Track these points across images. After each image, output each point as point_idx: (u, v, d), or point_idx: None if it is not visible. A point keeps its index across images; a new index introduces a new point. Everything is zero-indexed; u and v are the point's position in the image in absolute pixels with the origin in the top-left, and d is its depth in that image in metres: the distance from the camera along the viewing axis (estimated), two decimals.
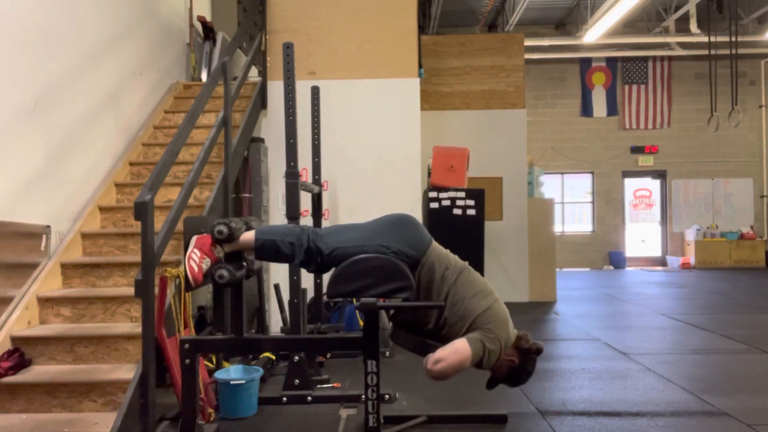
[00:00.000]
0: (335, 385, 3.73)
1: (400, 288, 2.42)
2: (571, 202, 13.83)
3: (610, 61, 13.49)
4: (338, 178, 5.67)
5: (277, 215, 5.60)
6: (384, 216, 2.58)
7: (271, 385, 3.73)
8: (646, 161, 13.57)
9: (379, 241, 2.45)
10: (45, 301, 3.36)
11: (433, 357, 2.36)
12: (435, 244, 2.58)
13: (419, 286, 2.49)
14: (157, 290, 2.83)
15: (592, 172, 13.71)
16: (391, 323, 2.66)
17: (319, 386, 3.67)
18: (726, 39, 10.36)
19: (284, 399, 3.38)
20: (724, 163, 13.53)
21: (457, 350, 2.36)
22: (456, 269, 2.53)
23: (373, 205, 5.50)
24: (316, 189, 4.59)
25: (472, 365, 2.41)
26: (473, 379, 3.89)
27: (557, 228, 13.32)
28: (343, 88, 5.71)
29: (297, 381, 3.46)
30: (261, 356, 3.97)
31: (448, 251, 2.62)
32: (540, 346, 2.54)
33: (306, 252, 2.45)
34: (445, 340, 2.48)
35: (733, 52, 9.91)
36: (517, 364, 2.52)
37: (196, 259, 2.41)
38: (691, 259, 13.02)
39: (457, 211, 6.17)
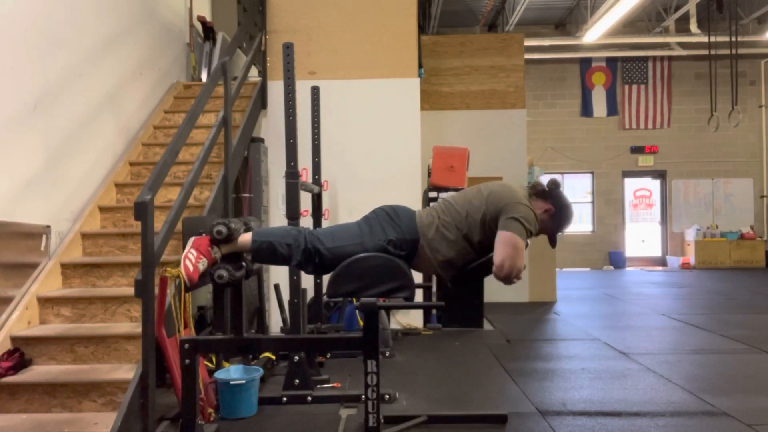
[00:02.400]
0: (335, 385, 3.73)
1: (400, 287, 2.42)
2: (571, 202, 13.83)
3: (610, 61, 13.49)
4: (338, 178, 5.67)
5: (277, 215, 5.60)
6: (371, 212, 2.59)
7: (271, 385, 3.73)
8: (646, 161, 13.57)
9: (377, 235, 2.45)
10: (45, 301, 3.36)
11: (495, 267, 2.38)
12: (418, 212, 2.60)
13: (432, 246, 2.48)
14: (157, 290, 2.84)
15: (592, 172, 13.71)
16: (387, 324, 2.65)
17: (319, 386, 3.67)
18: (726, 39, 10.36)
19: (284, 399, 3.38)
20: (724, 163, 13.53)
21: (505, 243, 2.37)
22: (441, 205, 2.57)
23: (373, 205, 5.38)
24: (316, 189, 4.59)
25: (526, 241, 2.43)
26: (473, 379, 3.89)
27: None
28: (343, 88, 5.71)
29: (297, 381, 3.46)
30: (261, 356, 3.97)
31: (429, 206, 2.65)
32: (554, 180, 2.57)
33: (303, 253, 2.45)
34: (492, 246, 2.48)
35: (733, 52, 9.91)
36: (552, 207, 2.54)
37: (192, 259, 2.41)
38: (691, 259, 13.02)
39: None
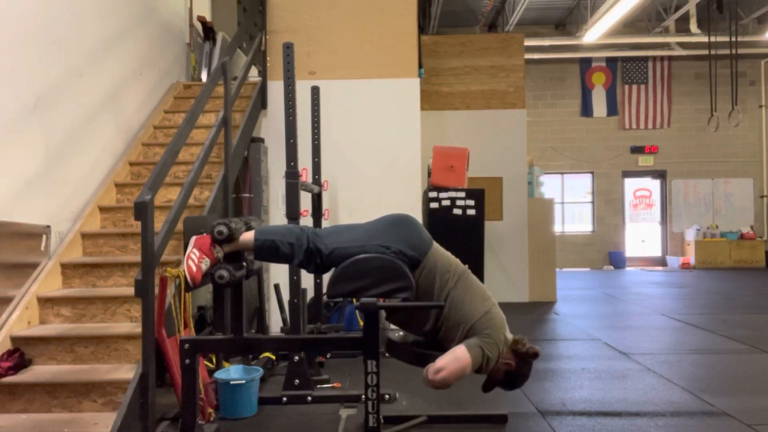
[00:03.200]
0: (335, 385, 3.73)
1: (400, 288, 2.42)
2: (571, 202, 13.84)
3: (610, 61, 13.49)
4: (338, 178, 5.67)
5: (277, 215, 5.60)
6: (384, 216, 2.58)
7: (271, 385, 3.73)
8: (646, 161, 13.57)
9: (378, 241, 2.45)
10: (45, 301, 3.36)
11: (434, 366, 2.36)
12: (436, 245, 2.57)
13: (419, 288, 2.48)
14: (157, 290, 2.83)
15: (592, 172, 13.71)
16: (386, 325, 2.65)
17: (319, 386, 3.67)
18: (726, 39, 10.36)
19: (284, 399, 3.38)
20: (724, 163, 13.53)
21: (457, 358, 2.36)
22: (456, 272, 2.52)
23: (373, 205, 5.50)
24: (316, 189, 4.59)
25: (472, 371, 2.42)
26: (473, 380, 3.89)
27: (557, 228, 13.32)
28: (343, 88, 5.71)
29: (297, 381, 3.46)
30: (261, 356, 3.97)
31: (449, 254, 2.61)
32: (536, 350, 2.53)
33: (305, 252, 2.45)
34: (442, 343, 2.48)
35: (733, 52, 9.91)
36: (514, 367, 2.51)
37: (195, 259, 2.41)
38: (691, 259, 13.02)
39: (457, 211, 6.17)
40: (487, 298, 2.53)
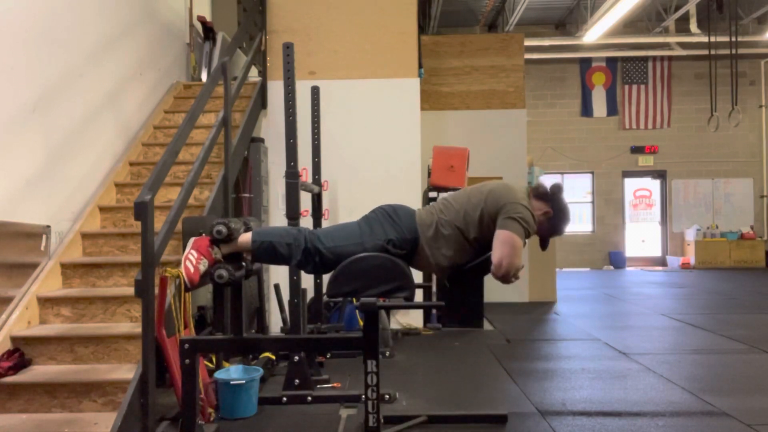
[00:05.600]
0: (335, 385, 3.73)
1: (400, 287, 2.42)
2: (571, 202, 13.73)
3: (610, 61, 13.49)
4: (338, 178, 5.67)
5: (277, 215, 5.60)
6: (371, 212, 2.59)
7: (271, 385, 3.73)
8: (646, 161, 13.57)
9: (377, 235, 2.46)
10: (45, 301, 3.36)
11: (493, 267, 2.39)
12: (418, 211, 2.60)
13: (438, 237, 2.49)
14: (157, 290, 2.84)
15: (592, 172, 13.71)
16: (387, 325, 2.65)
17: (319, 386, 3.67)
18: (726, 39, 10.35)
19: (284, 399, 3.38)
20: (724, 163, 13.53)
21: (504, 242, 2.38)
22: (441, 203, 2.57)
23: (373, 205, 5.37)
24: (316, 189, 4.59)
25: (524, 241, 2.44)
26: (473, 380, 3.89)
27: None
28: (343, 88, 5.71)
29: (297, 381, 3.46)
30: (261, 356, 3.97)
31: (429, 205, 2.65)
32: (556, 184, 2.59)
33: (303, 252, 2.45)
34: (487, 244, 2.49)
35: (733, 52, 9.91)
36: (552, 210, 2.55)
37: (192, 260, 2.41)
38: (691, 259, 13.02)
39: None
40: (479, 186, 2.57)
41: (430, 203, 2.64)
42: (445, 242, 2.49)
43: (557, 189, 2.58)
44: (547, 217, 2.56)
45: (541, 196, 2.57)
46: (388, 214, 2.54)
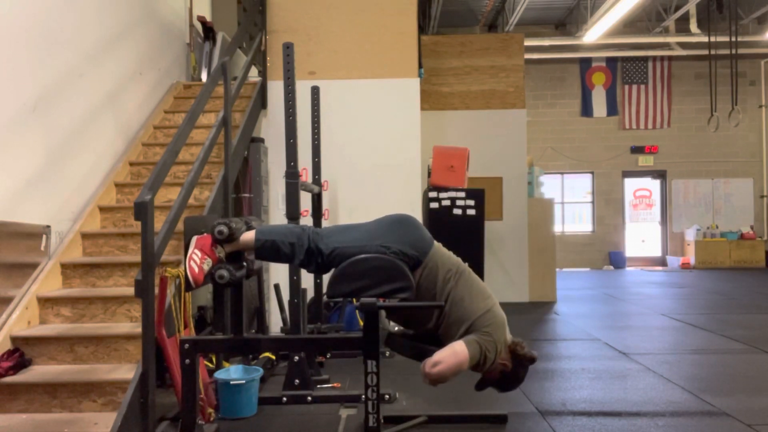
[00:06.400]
0: (335, 385, 3.73)
1: (400, 288, 2.42)
2: (571, 202, 13.83)
3: (610, 61, 13.49)
4: (338, 178, 5.67)
5: (277, 215, 5.60)
6: (385, 216, 2.58)
7: (271, 385, 3.73)
8: (646, 161, 13.57)
9: (379, 241, 2.45)
10: (45, 301, 3.36)
11: (431, 360, 2.36)
12: (437, 245, 2.57)
13: (420, 287, 2.49)
14: (157, 290, 2.83)
15: (592, 172, 13.71)
16: (387, 325, 2.65)
17: (319, 386, 3.67)
18: (726, 39, 10.35)
19: (284, 399, 3.38)
20: (724, 163, 13.53)
21: (455, 352, 2.36)
22: (458, 271, 2.52)
23: (373, 205, 5.50)
24: (316, 189, 4.59)
25: (469, 368, 2.42)
26: (473, 380, 3.89)
27: (557, 228, 13.31)
28: (343, 88, 5.71)
29: (297, 381, 3.46)
30: (261, 356, 3.97)
31: (450, 253, 2.61)
32: (534, 355, 2.54)
33: (306, 252, 2.45)
34: (443, 340, 2.48)
35: (733, 52, 9.91)
36: (510, 369, 2.51)
37: (197, 260, 2.41)
38: (691, 259, 13.02)
39: (457, 211, 6.17)
40: (488, 296, 2.53)
41: (457, 260, 2.57)
42: (429, 295, 2.48)
43: (531, 362, 2.53)
44: (503, 370, 2.51)
45: (515, 354, 2.51)
46: (402, 224, 2.51)
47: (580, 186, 13.80)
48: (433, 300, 2.48)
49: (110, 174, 4.38)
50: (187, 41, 6.22)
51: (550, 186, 12.36)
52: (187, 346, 2.43)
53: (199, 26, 6.41)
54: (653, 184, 13.87)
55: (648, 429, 2.92)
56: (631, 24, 12.56)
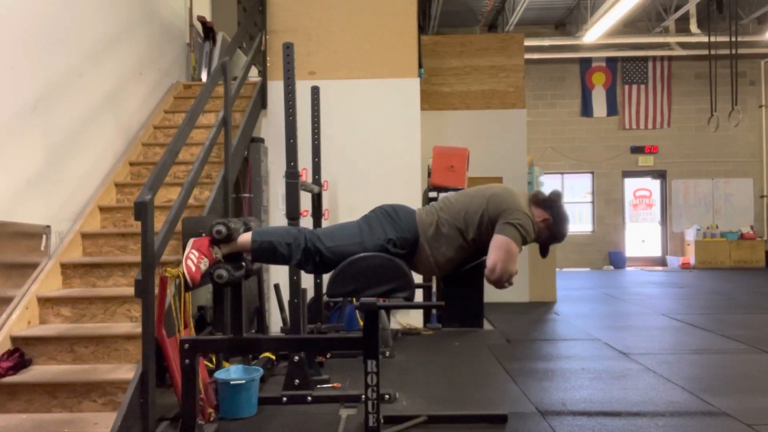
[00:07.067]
0: (335, 385, 3.73)
1: (400, 287, 2.42)
2: (571, 202, 13.83)
3: (610, 61, 13.49)
4: (338, 178, 5.67)
5: (277, 215, 5.60)
6: (371, 211, 2.60)
7: (271, 385, 3.73)
8: (646, 161, 13.57)
9: (377, 234, 2.46)
10: (45, 301, 3.36)
11: (487, 269, 2.39)
12: (418, 211, 2.60)
13: (439, 237, 2.48)
14: (157, 290, 2.84)
15: (592, 172, 13.71)
16: (387, 325, 2.66)
17: (319, 386, 3.67)
18: (726, 39, 10.35)
19: (284, 399, 3.38)
20: (724, 163, 13.53)
21: (500, 246, 2.39)
22: (442, 203, 2.58)
23: (374, 205, 5.37)
24: (316, 189, 4.59)
25: (521, 247, 2.44)
26: (473, 379, 3.89)
27: None
28: (343, 88, 5.71)
29: (297, 381, 3.46)
30: (261, 356, 3.97)
31: (429, 204, 2.66)
32: (555, 191, 2.59)
33: (303, 252, 2.45)
34: (486, 248, 2.49)
35: (733, 52, 9.91)
36: (552, 218, 2.54)
37: (193, 260, 2.41)
38: (691, 259, 13.02)
39: None
40: (482, 189, 2.57)
41: (431, 203, 2.65)
42: (445, 241, 2.49)
43: (557, 196, 2.58)
44: (547, 224, 2.55)
45: (541, 204, 2.56)
46: (388, 214, 2.55)
47: (580, 186, 13.80)
48: (450, 242, 2.48)
49: (110, 174, 4.38)
50: (187, 41, 6.22)
51: (550, 186, 12.30)
52: (187, 346, 2.43)
53: (199, 26, 6.41)
54: (653, 184, 13.87)
55: (648, 429, 2.92)
56: (631, 24, 12.56)
